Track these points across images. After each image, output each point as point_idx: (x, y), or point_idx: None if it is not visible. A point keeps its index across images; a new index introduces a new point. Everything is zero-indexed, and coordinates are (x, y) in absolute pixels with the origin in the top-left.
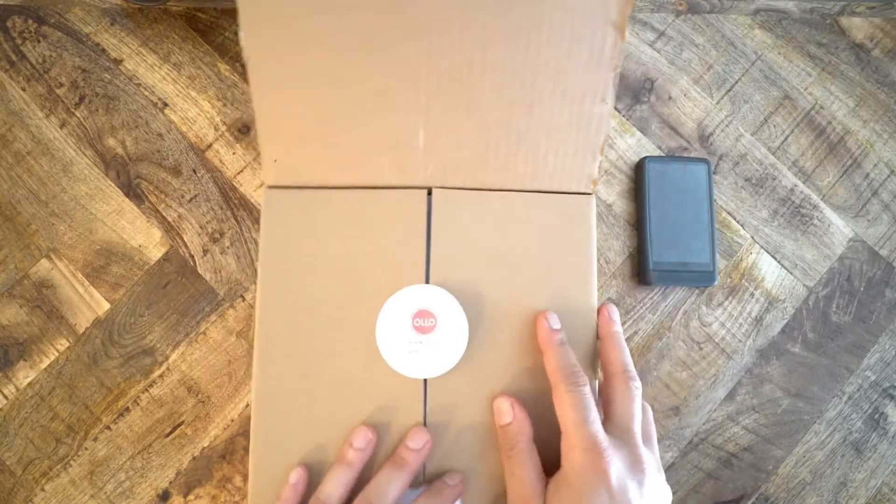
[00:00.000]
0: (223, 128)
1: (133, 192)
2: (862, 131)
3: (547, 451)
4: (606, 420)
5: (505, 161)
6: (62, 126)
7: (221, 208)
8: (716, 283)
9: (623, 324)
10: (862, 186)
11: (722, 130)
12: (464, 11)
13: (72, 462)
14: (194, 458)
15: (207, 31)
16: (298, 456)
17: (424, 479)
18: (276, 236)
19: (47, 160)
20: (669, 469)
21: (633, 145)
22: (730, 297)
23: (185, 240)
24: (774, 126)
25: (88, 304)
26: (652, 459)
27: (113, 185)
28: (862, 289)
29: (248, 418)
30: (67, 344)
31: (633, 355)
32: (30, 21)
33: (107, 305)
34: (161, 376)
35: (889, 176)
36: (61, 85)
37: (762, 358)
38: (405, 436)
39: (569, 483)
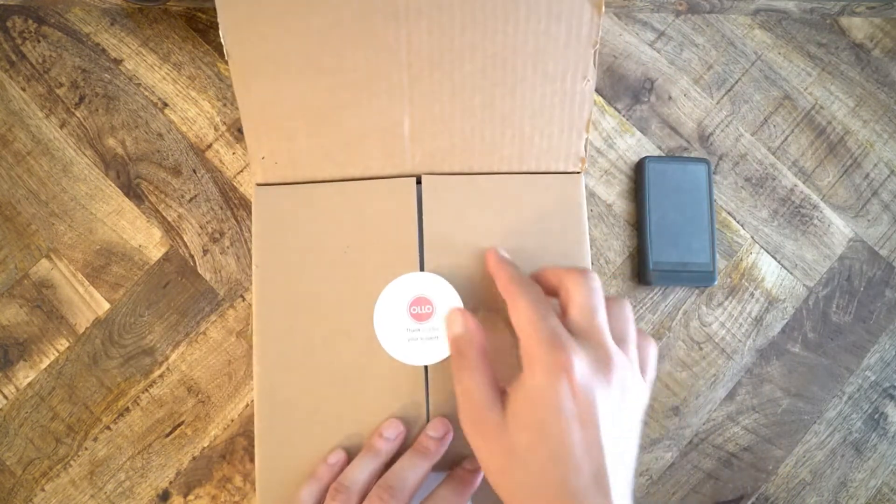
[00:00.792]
0: (223, 128)
1: (133, 192)
2: (862, 131)
3: None
4: (564, 318)
5: (491, 144)
6: (62, 126)
7: (221, 208)
8: (716, 283)
9: None
10: (862, 186)
11: (722, 130)
12: None
13: (72, 462)
14: (194, 458)
15: (207, 31)
16: (304, 448)
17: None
18: (268, 234)
19: (47, 160)
20: (669, 469)
21: (633, 145)
22: (730, 297)
23: (185, 240)
24: (774, 126)
25: (88, 304)
26: (622, 357)
27: (113, 185)
28: (862, 289)
29: (249, 418)
30: (67, 344)
31: None
32: (30, 21)
33: (107, 305)
34: (161, 376)
35: (889, 176)
36: (61, 85)
37: (762, 358)
38: (426, 425)
39: (526, 385)
